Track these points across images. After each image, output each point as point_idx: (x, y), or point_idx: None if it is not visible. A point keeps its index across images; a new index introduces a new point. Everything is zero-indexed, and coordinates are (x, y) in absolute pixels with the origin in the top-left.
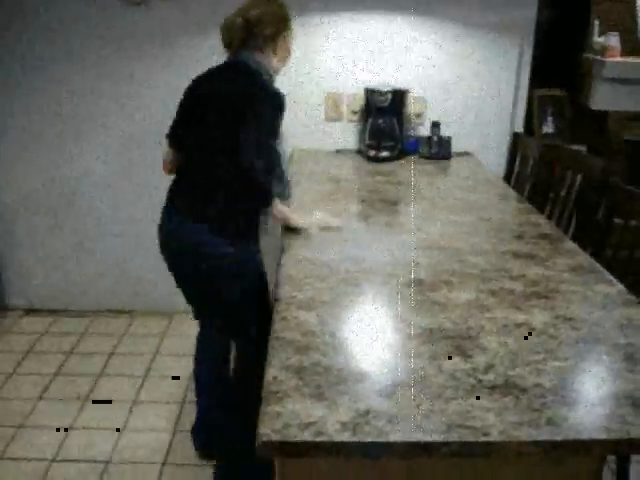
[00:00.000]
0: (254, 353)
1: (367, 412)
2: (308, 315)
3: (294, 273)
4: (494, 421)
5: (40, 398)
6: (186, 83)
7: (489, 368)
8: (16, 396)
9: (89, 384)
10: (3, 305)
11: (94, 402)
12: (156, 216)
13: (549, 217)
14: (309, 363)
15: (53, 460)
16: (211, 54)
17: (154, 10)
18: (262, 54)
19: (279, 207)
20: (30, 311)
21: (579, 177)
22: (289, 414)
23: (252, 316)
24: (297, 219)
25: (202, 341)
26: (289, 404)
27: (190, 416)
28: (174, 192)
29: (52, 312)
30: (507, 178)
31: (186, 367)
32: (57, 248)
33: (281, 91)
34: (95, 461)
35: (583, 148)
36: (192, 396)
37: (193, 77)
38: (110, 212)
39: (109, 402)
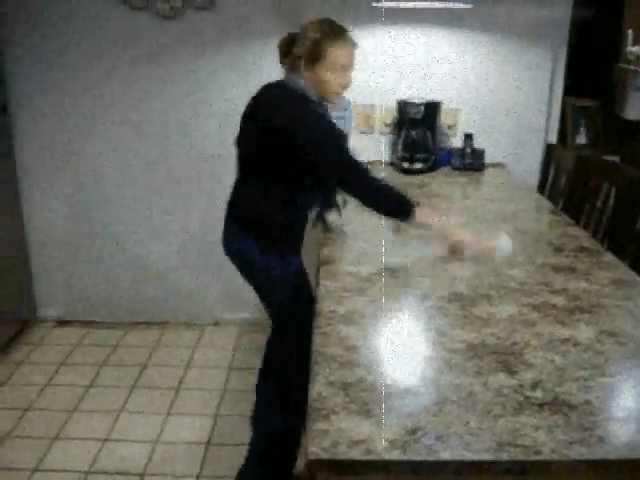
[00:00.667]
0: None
1: (415, 430)
2: (349, 330)
3: (333, 287)
4: (544, 439)
5: (75, 409)
6: (217, 94)
7: (536, 384)
8: (51, 407)
9: (123, 396)
10: (35, 317)
11: (128, 413)
12: (192, 228)
13: (584, 229)
14: (354, 379)
15: (88, 472)
16: (246, 65)
17: (187, 23)
18: (298, 75)
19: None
20: (62, 323)
21: (614, 188)
22: (337, 432)
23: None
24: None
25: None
26: (336, 421)
27: (223, 428)
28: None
29: (84, 324)
30: (540, 189)
31: (218, 379)
32: (89, 259)
33: (321, 112)
34: (130, 473)
35: (616, 158)
36: (225, 408)
37: (229, 89)
38: (144, 224)
39: (143, 413)
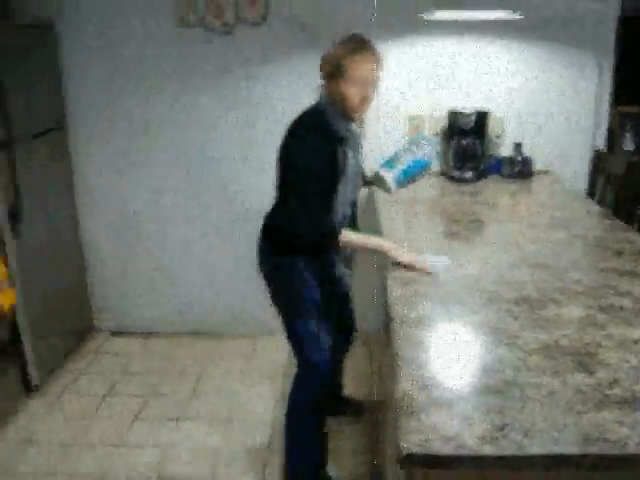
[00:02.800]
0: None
1: (503, 426)
2: (424, 333)
3: (401, 292)
4: (629, 434)
5: (136, 418)
6: (266, 110)
7: (614, 383)
8: (112, 416)
9: (182, 405)
10: (90, 327)
11: (187, 421)
12: (240, 243)
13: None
14: (434, 379)
15: (158, 477)
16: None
17: (239, 38)
18: (323, 91)
19: (372, 240)
20: (117, 333)
21: None
22: (427, 428)
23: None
24: (400, 254)
25: None
26: (425, 418)
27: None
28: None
29: (139, 334)
30: (590, 196)
31: (273, 389)
32: (143, 270)
33: (339, 129)
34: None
35: None
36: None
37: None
38: (199, 235)
39: (201, 423)
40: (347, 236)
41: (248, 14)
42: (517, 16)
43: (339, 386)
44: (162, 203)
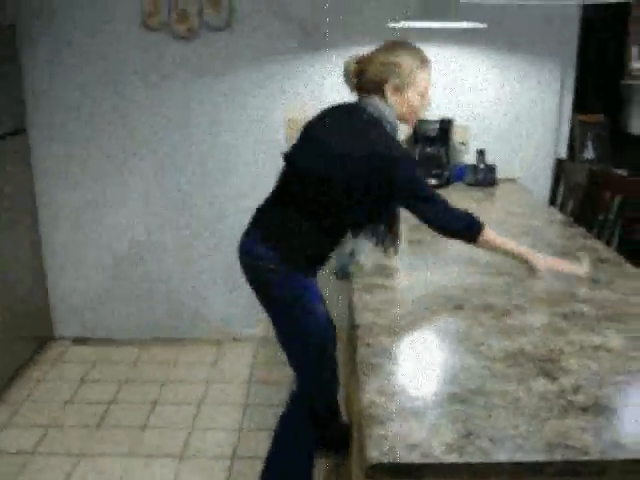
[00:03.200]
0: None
1: (469, 434)
2: (390, 340)
3: (369, 299)
4: (592, 440)
5: (98, 426)
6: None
7: (577, 389)
8: (74, 425)
9: (145, 412)
10: (51, 335)
11: (151, 429)
12: (211, 244)
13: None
14: (401, 387)
15: None
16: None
17: (204, 43)
18: (379, 100)
19: (512, 244)
20: (79, 340)
21: (625, 201)
22: (393, 437)
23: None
24: (547, 262)
25: None
26: (392, 427)
27: (248, 444)
28: (260, 211)
29: (100, 341)
30: (551, 203)
31: (240, 394)
32: (104, 276)
33: (400, 142)
34: None
35: (624, 172)
36: (249, 424)
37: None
38: (163, 241)
39: (166, 429)
40: (488, 234)
41: (212, 19)
42: (480, 25)
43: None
44: (125, 208)
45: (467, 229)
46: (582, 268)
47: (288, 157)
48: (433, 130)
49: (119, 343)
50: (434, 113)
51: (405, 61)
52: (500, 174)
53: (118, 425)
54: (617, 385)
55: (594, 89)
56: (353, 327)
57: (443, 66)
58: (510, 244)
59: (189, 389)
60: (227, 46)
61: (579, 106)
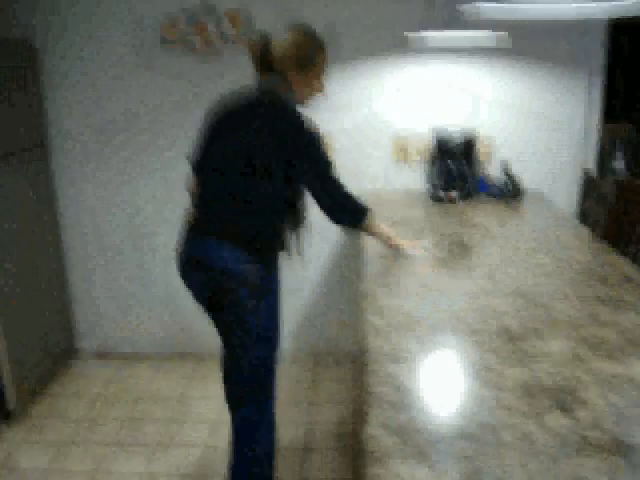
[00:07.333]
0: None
1: (474, 473)
2: (399, 368)
3: (379, 323)
4: None
5: (116, 443)
6: None
7: (594, 424)
8: (91, 440)
9: (162, 429)
10: (73, 349)
11: (168, 447)
12: None
13: (625, 257)
14: (407, 420)
15: None
16: None
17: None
18: (284, 82)
19: (385, 228)
20: (100, 355)
21: None
22: (393, 477)
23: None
24: (408, 245)
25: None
26: (391, 465)
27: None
28: (198, 218)
29: (122, 356)
30: (579, 216)
31: None
32: (127, 291)
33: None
34: None
35: None
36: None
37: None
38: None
39: (183, 447)
40: (372, 219)
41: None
42: (505, 45)
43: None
44: (148, 222)
45: (355, 213)
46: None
47: (197, 163)
48: (455, 143)
49: (138, 358)
50: (456, 125)
51: (304, 42)
52: (526, 186)
53: (133, 443)
54: (638, 420)
55: (623, 98)
56: (362, 352)
57: (465, 77)
58: (386, 230)
59: (208, 407)
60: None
61: (608, 115)
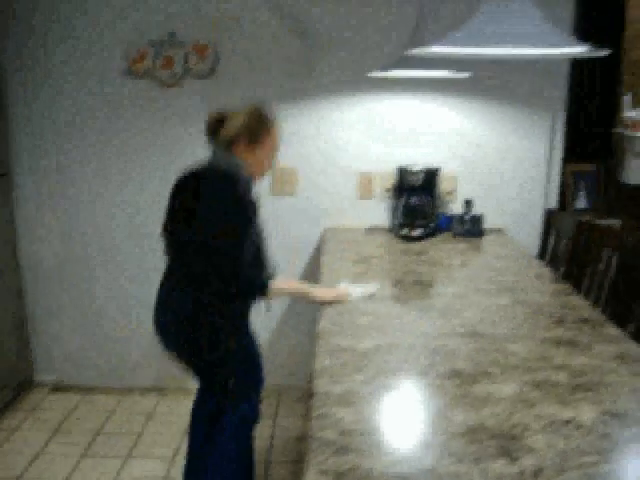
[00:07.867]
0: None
1: None
2: (346, 411)
3: (329, 364)
4: None
5: (68, 479)
6: None
7: (538, 472)
8: (46, 476)
9: (118, 465)
10: (30, 381)
11: None
12: None
13: (586, 294)
14: (348, 467)
15: None
16: None
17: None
18: (231, 155)
19: (295, 285)
20: (57, 388)
21: (615, 254)
22: None
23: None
24: (319, 293)
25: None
26: None
27: None
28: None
29: (80, 389)
30: (541, 255)
31: None
32: (85, 323)
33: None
34: None
35: (618, 222)
36: None
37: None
38: (144, 289)
39: None
40: (275, 284)
41: (197, 67)
42: (464, 75)
43: None
44: (110, 255)
45: (259, 290)
46: (337, 291)
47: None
48: (417, 179)
49: (97, 391)
50: (422, 162)
51: (256, 119)
52: (488, 224)
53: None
54: (582, 468)
55: (586, 138)
56: (310, 394)
57: (428, 115)
58: (293, 285)
59: (164, 442)
60: (211, 94)
61: (572, 154)
